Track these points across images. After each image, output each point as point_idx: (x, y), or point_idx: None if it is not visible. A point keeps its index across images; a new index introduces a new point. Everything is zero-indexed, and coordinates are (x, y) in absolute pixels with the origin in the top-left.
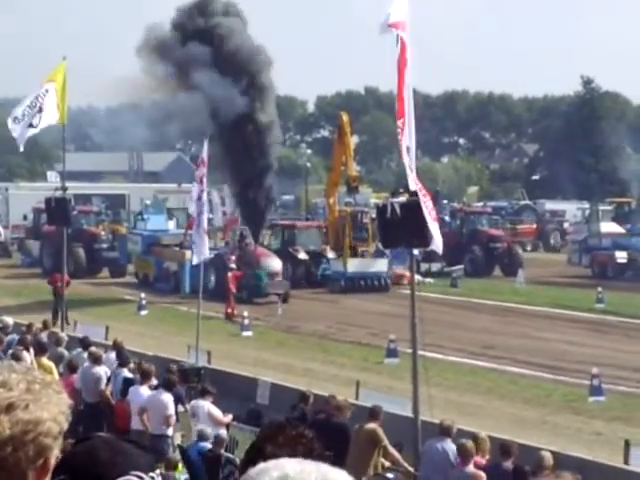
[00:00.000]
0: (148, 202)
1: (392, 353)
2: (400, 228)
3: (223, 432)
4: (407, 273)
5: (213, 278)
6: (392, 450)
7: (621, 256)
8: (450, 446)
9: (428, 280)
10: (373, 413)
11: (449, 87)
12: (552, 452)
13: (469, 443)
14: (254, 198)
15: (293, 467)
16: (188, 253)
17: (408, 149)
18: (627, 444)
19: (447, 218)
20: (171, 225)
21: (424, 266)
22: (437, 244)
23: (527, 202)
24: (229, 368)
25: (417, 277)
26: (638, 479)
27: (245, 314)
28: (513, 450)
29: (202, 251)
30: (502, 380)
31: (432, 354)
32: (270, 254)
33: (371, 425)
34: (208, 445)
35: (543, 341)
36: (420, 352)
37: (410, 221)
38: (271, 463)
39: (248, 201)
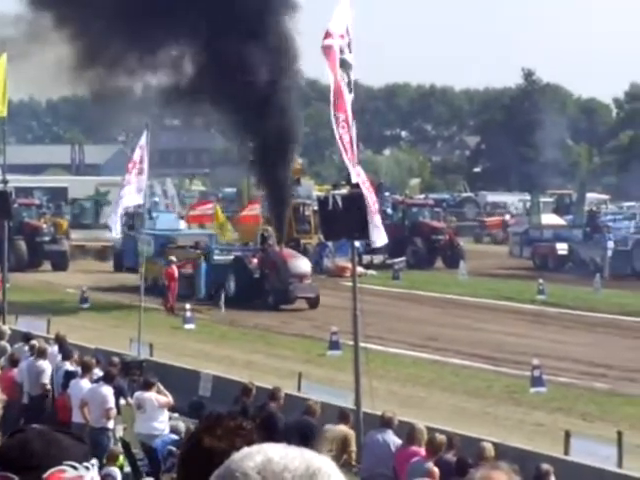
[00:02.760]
0: (157, 199)
1: (334, 345)
2: (342, 220)
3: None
4: (349, 265)
5: (233, 283)
6: (353, 454)
7: (562, 248)
8: (391, 437)
9: (370, 272)
10: (343, 415)
11: (391, 80)
12: (493, 443)
13: (440, 437)
14: (280, 196)
15: (277, 452)
16: (204, 254)
17: (351, 142)
18: (567, 435)
19: (389, 210)
20: (182, 224)
21: (366, 258)
22: (379, 237)
23: (469, 194)
24: (171, 361)
25: (359, 269)
26: (578, 469)
27: (187, 307)
28: (455, 442)
29: (115, 228)
30: (444, 371)
31: (374, 346)
32: (297, 255)
33: (344, 429)
34: (174, 437)
35: (484, 332)
36: (362, 344)
37: (352, 213)
38: (255, 448)
39: (273, 200)
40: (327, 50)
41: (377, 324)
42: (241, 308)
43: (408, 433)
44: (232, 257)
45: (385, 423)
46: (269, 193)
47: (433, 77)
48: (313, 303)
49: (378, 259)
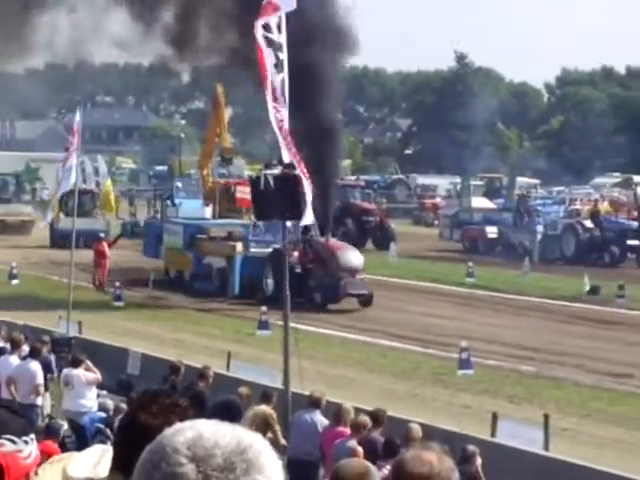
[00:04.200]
0: (179, 184)
1: (264, 325)
2: (273, 200)
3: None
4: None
5: (271, 280)
6: (278, 433)
7: (491, 231)
8: (318, 417)
9: None
10: (266, 396)
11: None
12: (421, 424)
13: (362, 418)
14: (326, 182)
15: (208, 428)
16: (239, 246)
17: (282, 122)
18: (494, 417)
19: None
20: (208, 212)
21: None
22: (307, 216)
23: (400, 176)
24: (100, 338)
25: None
26: (505, 451)
27: (117, 284)
28: (382, 419)
29: (47, 214)
30: (372, 353)
31: (304, 326)
32: (348, 246)
33: (265, 409)
34: (102, 414)
35: (413, 314)
36: (292, 324)
37: (283, 193)
38: (187, 424)
39: (319, 185)
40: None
41: (307, 304)
42: (172, 291)
43: (335, 413)
44: (269, 250)
45: (313, 403)
46: (315, 179)
47: (366, 59)
48: (366, 301)
49: None
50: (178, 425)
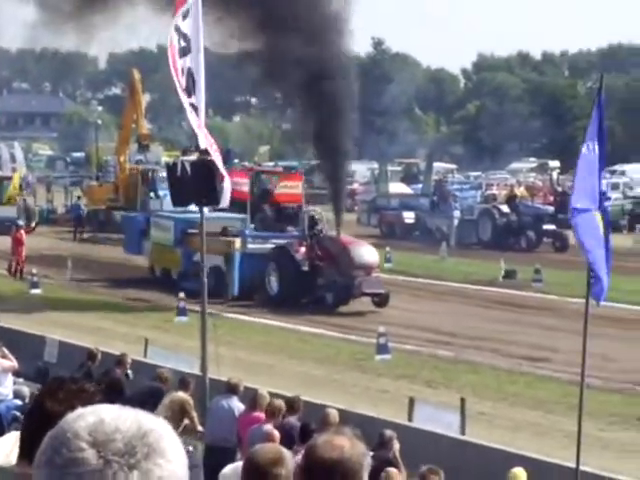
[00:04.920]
0: (163, 174)
1: (182, 312)
2: (190, 186)
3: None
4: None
5: (274, 278)
6: (195, 419)
7: (409, 216)
8: (235, 403)
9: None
10: (183, 383)
11: (241, 46)
12: (339, 409)
13: (276, 402)
14: (337, 174)
15: (110, 413)
16: (237, 242)
17: (196, 107)
18: (412, 401)
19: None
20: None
21: None
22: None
23: (318, 162)
24: (17, 326)
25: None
26: (421, 435)
27: (34, 271)
28: (298, 405)
29: None
30: (293, 339)
31: (224, 313)
32: (361, 242)
33: (181, 395)
34: (19, 402)
35: None
36: (209, 310)
37: (200, 179)
38: (89, 409)
39: (330, 177)
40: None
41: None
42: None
43: (251, 399)
44: (272, 246)
45: (230, 389)
46: (327, 170)
47: None
48: (382, 301)
49: None
50: (80, 410)
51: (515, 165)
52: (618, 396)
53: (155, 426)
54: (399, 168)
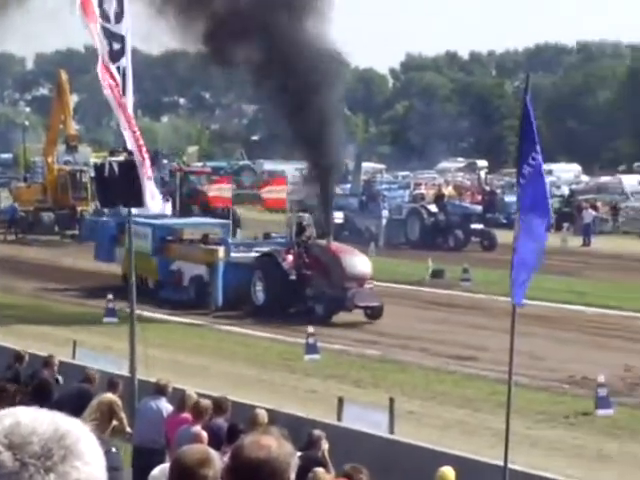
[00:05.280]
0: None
1: (110, 313)
2: (118, 187)
3: None
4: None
5: (260, 287)
6: (124, 421)
7: (338, 216)
8: (164, 404)
9: None
10: (112, 384)
11: (170, 47)
12: (267, 410)
13: (202, 402)
14: (325, 172)
15: (27, 415)
16: (221, 251)
17: (124, 108)
18: (340, 401)
19: (166, 178)
20: (168, 208)
21: None
22: (155, 204)
23: (246, 162)
24: None
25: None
26: (350, 434)
27: None
28: (225, 406)
29: None
30: (228, 341)
31: (152, 314)
32: (353, 250)
33: (110, 396)
34: None
35: None
36: (139, 312)
37: (127, 180)
38: (6, 411)
39: (320, 183)
40: (88, 16)
41: (156, 291)
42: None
43: (179, 400)
44: (258, 254)
45: (159, 390)
46: (316, 177)
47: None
48: (376, 314)
49: None
50: None
51: (443, 165)
52: (545, 394)
53: (72, 428)
54: None
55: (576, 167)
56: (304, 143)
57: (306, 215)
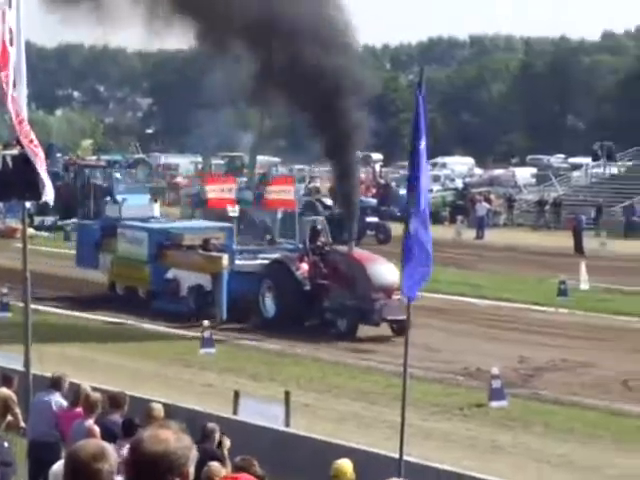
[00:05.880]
0: (118, 175)
1: (3, 307)
2: (12, 181)
3: None
4: (20, 226)
5: (270, 298)
6: (18, 416)
7: (232, 210)
8: (58, 399)
9: (42, 234)
10: (6, 378)
11: (64, 40)
12: (164, 404)
13: (93, 396)
14: (350, 181)
15: None
16: (225, 258)
17: (15, 100)
18: (236, 394)
19: (60, 171)
20: (157, 210)
21: (38, 220)
22: (48, 194)
23: (141, 155)
24: None
25: (30, 230)
26: (247, 428)
27: None
28: (121, 401)
29: None
30: (124, 336)
31: (46, 308)
32: (379, 258)
33: (6, 391)
34: None
35: None
36: (33, 306)
37: (22, 174)
38: None
39: (343, 185)
40: None
41: (50, 286)
42: None
43: (74, 394)
44: (267, 261)
45: (53, 384)
46: (339, 178)
47: (106, 39)
48: (401, 328)
49: (49, 221)
50: None
51: None
52: (440, 386)
53: None
54: (223, 162)
55: (470, 160)
56: (327, 140)
57: (319, 218)
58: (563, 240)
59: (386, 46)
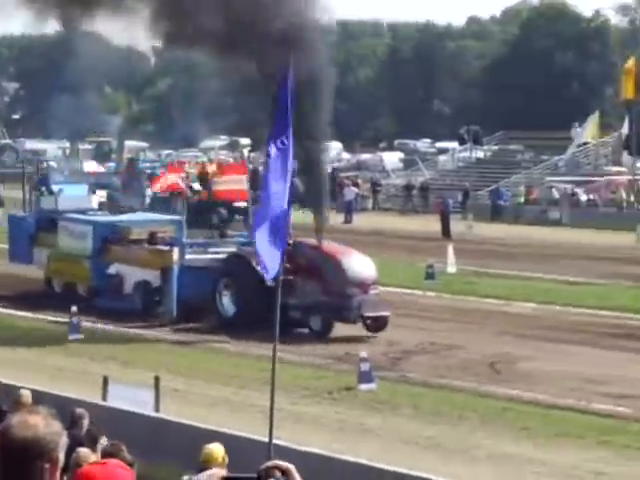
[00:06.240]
0: (54, 163)
1: None
2: None
3: None
4: None
5: (227, 297)
6: None
7: (101, 195)
8: None
9: None
10: None
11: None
12: (32, 390)
13: None
14: (316, 167)
15: None
16: (175, 252)
17: None
18: (105, 380)
19: None
20: (95, 200)
21: None
22: None
23: (7, 141)
24: None
25: None
26: (116, 414)
27: None
28: None
29: None
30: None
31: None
32: (352, 251)
33: None
34: None
35: None
36: None
37: None
38: None
39: (309, 172)
40: None
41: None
42: None
43: None
44: (223, 255)
45: None
46: (304, 164)
47: None
48: (381, 325)
49: None
50: None
51: (207, 143)
52: (310, 370)
53: None
54: (91, 147)
55: (338, 145)
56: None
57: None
58: (430, 224)
59: None
